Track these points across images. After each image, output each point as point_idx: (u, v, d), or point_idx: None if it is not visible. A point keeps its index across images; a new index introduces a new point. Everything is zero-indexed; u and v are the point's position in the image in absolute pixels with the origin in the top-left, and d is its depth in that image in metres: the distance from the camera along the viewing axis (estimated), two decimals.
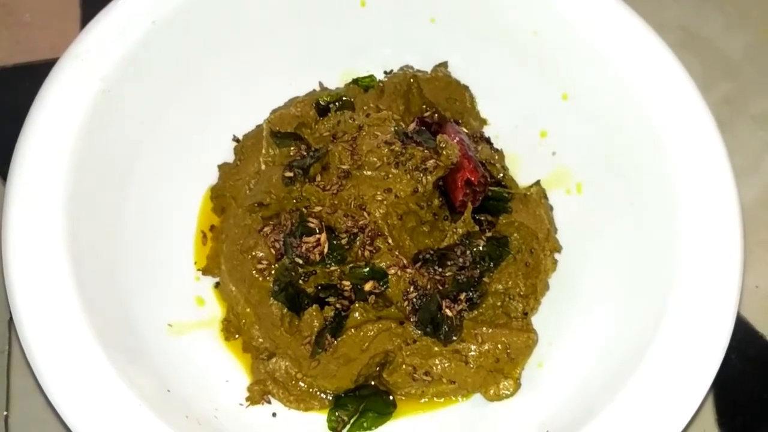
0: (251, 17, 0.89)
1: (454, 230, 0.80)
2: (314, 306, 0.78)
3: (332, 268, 0.78)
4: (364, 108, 0.87)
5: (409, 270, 0.77)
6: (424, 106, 0.88)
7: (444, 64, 0.92)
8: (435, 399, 0.80)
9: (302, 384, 0.79)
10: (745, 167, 0.96)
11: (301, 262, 0.78)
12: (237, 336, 0.83)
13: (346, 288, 0.78)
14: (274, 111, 0.89)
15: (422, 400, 0.80)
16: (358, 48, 0.92)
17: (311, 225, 0.78)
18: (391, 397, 0.80)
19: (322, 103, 0.88)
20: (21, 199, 0.75)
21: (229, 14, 0.87)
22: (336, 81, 0.93)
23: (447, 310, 0.77)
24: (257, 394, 0.79)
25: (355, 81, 0.91)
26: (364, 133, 0.81)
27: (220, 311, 0.84)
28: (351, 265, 0.78)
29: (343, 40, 0.92)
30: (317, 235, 0.77)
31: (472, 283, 0.80)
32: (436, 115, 0.88)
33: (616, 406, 0.72)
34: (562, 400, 0.77)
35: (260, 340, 0.81)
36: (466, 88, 0.92)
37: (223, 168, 0.89)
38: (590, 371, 0.78)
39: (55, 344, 0.71)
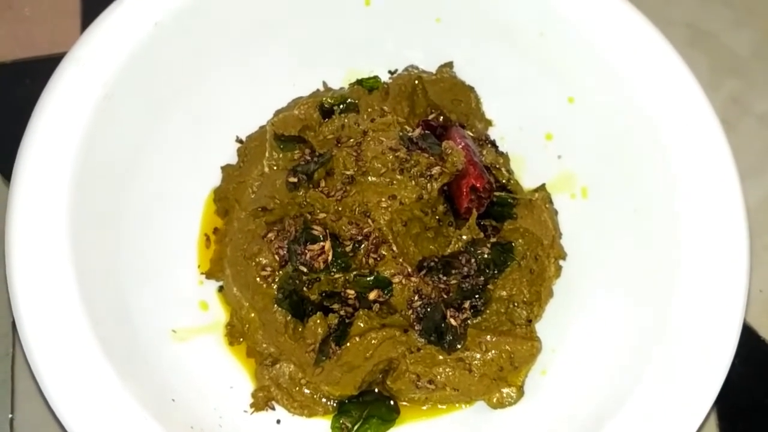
0: (254, 17, 0.87)
1: (459, 237, 0.80)
2: (318, 313, 0.78)
3: (336, 276, 0.77)
4: (369, 111, 0.86)
5: (413, 278, 0.77)
6: (429, 108, 0.87)
7: (449, 65, 0.91)
8: (438, 405, 0.80)
9: (306, 390, 0.79)
10: (752, 168, 0.95)
11: (305, 269, 0.77)
12: (241, 340, 0.83)
13: (350, 296, 0.77)
14: (277, 112, 0.88)
15: (425, 407, 0.80)
16: (362, 48, 0.91)
17: (315, 232, 0.77)
18: (393, 403, 0.80)
19: (326, 105, 0.86)
20: (24, 205, 0.75)
21: (231, 14, 0.86)
22: (340, 81, 0.92)
23: (451, 320, 0.77)
24: (261, 401, 0.79)
25: (360, 82, 0.90)
26: (368, 139, 0.80)
27: (224, 315, 0.84)
28: (355, 272, 0.77)
29: (347, 40, 0.91)
30: (321, 243, 0.77)
31: (477, 290, 0.79)
32: (441, 117, 0.87)
33: (621, 415, 0.72)
34: (565, 409, 0.77)
35: (264, 345, 0.80)
36: (471, 88, 0.91)
37: (226, 170, 0.88)
38: (594, 379, 0.78)
39: (57, 351, 0.71)
